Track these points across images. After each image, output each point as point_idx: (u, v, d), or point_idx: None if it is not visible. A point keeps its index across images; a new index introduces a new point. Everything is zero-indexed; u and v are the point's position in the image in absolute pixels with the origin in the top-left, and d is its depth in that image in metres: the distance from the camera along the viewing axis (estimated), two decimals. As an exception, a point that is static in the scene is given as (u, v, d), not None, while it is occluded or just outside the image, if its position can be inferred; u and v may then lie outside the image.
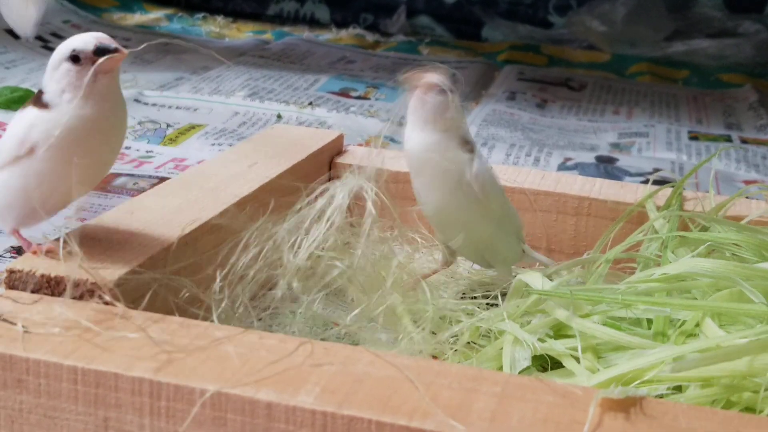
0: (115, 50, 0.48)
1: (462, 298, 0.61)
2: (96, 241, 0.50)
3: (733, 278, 0.48)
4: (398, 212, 0.68)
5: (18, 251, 0.69)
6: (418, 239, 0.69)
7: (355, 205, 0.69)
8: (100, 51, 0.48)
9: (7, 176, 0.49)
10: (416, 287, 0.59)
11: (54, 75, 0.48)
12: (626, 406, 0.39)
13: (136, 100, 1.12)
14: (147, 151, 0.96)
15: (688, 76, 1.55)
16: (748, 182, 0.98)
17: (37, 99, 0.49)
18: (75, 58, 0.48)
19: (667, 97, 1.39)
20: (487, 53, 1.64)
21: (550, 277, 0.56)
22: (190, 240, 0.54)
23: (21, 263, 0.47)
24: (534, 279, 0.53)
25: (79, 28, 1.53)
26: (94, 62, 0.47)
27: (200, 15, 1.78)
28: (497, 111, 1.25)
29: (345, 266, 0.62)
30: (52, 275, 0.46)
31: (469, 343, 0.54)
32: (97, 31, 1.47)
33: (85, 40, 0.48)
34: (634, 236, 0.63)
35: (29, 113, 0.49)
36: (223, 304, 0.57)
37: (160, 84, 1.24)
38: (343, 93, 1.25)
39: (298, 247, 0.58)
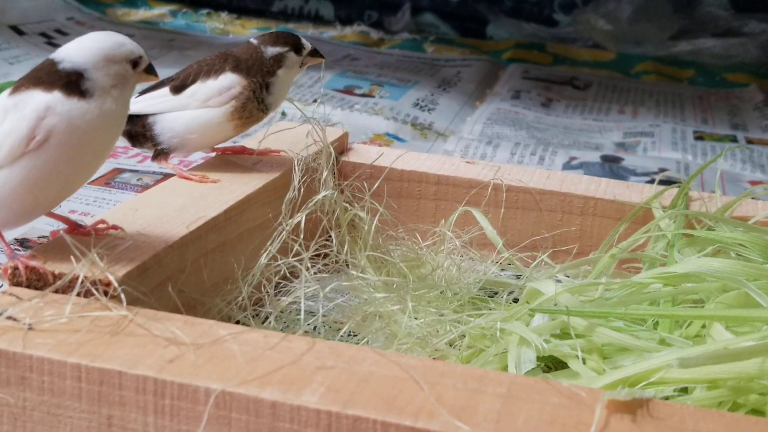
0: (157, 74, 0.51)
1: (471, 298, 0.61)
2: (100, 238, 0.50)
3: (740, 281, 0.48)
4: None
5: (21, 244, 0.69)
6: (418, 236, 0.69)
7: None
8: (150, 69, 0.50)
9: (5, 174, 0.46)
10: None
11: (109, 69, 0.47)
12: (633, 407, 0.38)
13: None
14: (151, 148, 0.96)
15: (693, 75, 1.54)
16: (753, 183, 0.97)
17: (68, 84, 0.46)
18: (136, 63, 0.49)
19: (673, 96, 1.39)
20: (491, 51, 1.63)
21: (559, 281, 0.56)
22: (194, 238, 0.53)
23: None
24: (546, 286, 0.53)
25: (83, 25, 1.53)
26: (134, 66, 0.49)
27: (204, 11, 1.77)
28: (502, 110, 1.24)
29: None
30: (57, 272, 0.46)
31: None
32: (102, 27, 1.46)
33: (141, 50, 0.49)
34: (639, 234, 0.63)
35: (43, 99, 0.46)
36: (227, 303, 0.57)
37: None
38: (348, 90, 1.25)
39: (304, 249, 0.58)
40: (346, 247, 0.62)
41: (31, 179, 0.46)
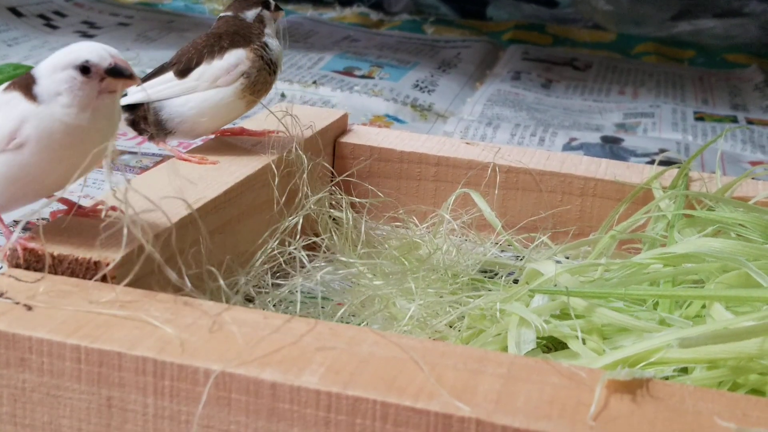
0: (130, 76, 0.46)
1: (470, 280, 0.61)
2: (99, 220, 0.50)
3: (741, 260, 0.48)
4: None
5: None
6: (415, 219, 0.69)
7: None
8: (113, 72, 0.46)
9: None
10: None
11: (54, 76, 0.46)
12: (632, 387, 0.38)
13: (140, 78, 1.11)
14: (150, 130, 0.96)
15: (694, 56, 1.54)
16: (754, 163, 0.97)
17: (26, 87, 0.47)
18: (85, 69, 0.46)
19: (673, 77, 1.38)
20: (491, 32, 1.63)
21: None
22: (193, 219, 0.53)
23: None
24: (546, 266, 0.53)
25: (81, 7, 1.53)
26: (102, 78, 0.46)
27: (203, -8, 1.77)
28: (502, 91, 1.24)
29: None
30: (56, 254, 0.46)
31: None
32: (100, 9, 1.45)
33: (101, 55, 0.46)
34: (639, 215, 0.63)
35: (19, 105, 0.46)
36: (228, 284, 0.57)
37: (162, 62, 1.23)
38: (347, 72, 1.25)
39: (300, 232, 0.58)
40: (340, 240, 0.63)
41: (8, 174, 0.47)
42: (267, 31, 0.64)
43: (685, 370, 0.45)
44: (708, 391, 0.39)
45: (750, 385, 0.44)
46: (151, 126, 0.63)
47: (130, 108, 0.63)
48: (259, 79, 0.63)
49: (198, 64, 0.62)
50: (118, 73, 0.46)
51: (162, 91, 0.63)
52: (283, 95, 1.11)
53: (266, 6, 0.65)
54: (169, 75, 0.63)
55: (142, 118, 0.63)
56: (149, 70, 0.67)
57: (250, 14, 0.64)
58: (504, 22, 1.71)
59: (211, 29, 0.65)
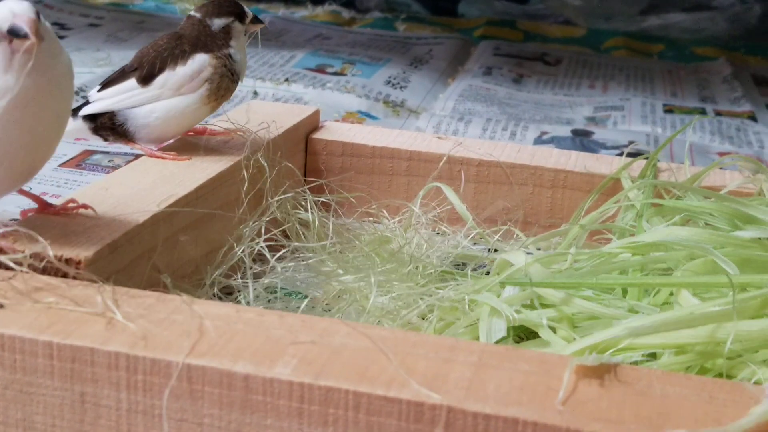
0: (24, 35, 0.45)
1: (442, 272, 0.61)
2: (71, 218, 0.50)
3: (707, 248, 0.49)
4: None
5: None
6: (386, 212, 0.70)
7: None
8: (12, 33, 0.45)
9: None
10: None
11: None
12: (601, 373, 0.39)
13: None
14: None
15: (663, 49, 1.55)
16: (722, 154, 0.98)
17: None
18: None
19: (643, 70, 1.40)
20: (463, 29, 1.63)
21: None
22: (165, 216, 0.53)
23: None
24: (517, 257, 0.53)
25: (51, 8, 1.52)
26: (9, 40, 0.45)
27: (174, -8, 1.76)
28: (473, 86, 1.25)
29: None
30: (27, 252, 0.46)
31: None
32: (70, 10, 1.44)
33: (3, 16, 0.45)
34: (609, 205, 0.63)
35: None
36: (197, 287, 0.57)
37: (134, 62, 1.23)
38: (320, 69, 1.25)
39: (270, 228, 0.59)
40: (309, 238, 0.63)
41: None
42: (232, 43, 0.63)
43: (654, 356, 0.46)
44: (675, 375, 0.39)
45: (717, 370, 0.44)
46: (118, 137, 0.62)
47: (92, 117, 0.62)
48: (222, 85, 0.62)
49: (161, 70, 0.61)
50: (14, 34, 0.45)
51: (125, 99, 0.61)
52: (255, 93, 1.11)
53: (240, 18, 0.63)
54: (132, 82, 0.61)
55: (106, 126, 0.62)
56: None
57: (218, 23, 0.63)
58: (475, 19, 1.71)
59: (177, 30, 0.64)
